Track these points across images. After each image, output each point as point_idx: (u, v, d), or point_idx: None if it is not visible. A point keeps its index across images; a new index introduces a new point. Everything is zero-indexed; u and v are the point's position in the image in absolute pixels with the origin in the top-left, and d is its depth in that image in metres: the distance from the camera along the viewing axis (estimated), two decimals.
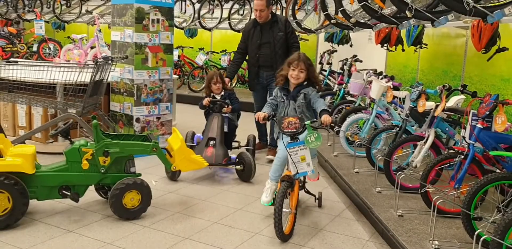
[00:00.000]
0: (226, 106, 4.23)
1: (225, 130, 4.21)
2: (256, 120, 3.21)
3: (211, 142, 4.03)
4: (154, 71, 4.72)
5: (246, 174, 4.03)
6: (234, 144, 4.52)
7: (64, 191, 3.05)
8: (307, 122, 2.88)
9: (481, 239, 2.27)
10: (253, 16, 4.83)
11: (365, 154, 4.10)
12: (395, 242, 2.79)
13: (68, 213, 3.18)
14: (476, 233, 2.33)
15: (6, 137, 3.08)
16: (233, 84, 4.79)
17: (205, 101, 4.24)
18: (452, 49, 5.28)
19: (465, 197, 2.64)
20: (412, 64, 6.21)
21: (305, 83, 3.24)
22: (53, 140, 4.54)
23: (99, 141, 3.07)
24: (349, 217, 3.38)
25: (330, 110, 3.20)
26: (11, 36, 7.05)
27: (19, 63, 4.17)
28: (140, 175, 3.22)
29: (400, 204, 3.22)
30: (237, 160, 4.05)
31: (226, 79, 4.56)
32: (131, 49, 4.55)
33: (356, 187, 3.68)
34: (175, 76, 5.71)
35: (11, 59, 5.79)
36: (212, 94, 4.36)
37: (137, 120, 4.67)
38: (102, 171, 3.08)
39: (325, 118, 2.96)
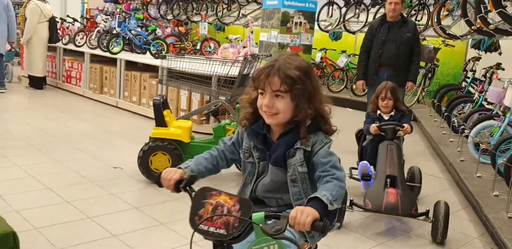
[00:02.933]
0: (400, 127, 3.35)
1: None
2: None
3: (390, 181, 3.04)
4: None
5: (435, 231, 2.92)
6: None
7: None
8: (258, 215, 1.31)
9: None
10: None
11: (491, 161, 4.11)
12: (500, 242, 2.89)
13: (212, 178, 3.86)
14: None
15: (171, 113, 3.88)
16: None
17: (373, 129, 3.35)
18: None
19: None
20: None
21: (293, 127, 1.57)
22: (206, 118, 5.38)
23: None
24: (463, 216, 3.50)
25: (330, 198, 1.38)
26: (180, 35, 8.26)
27: (185, 57, 5.06)
28: None
29: None
30: (427, 209, 2.98)
31: (360, 82, 4.81)
32: (275, 48, 5.18)
33: (474, 189, 3.76)
34: None
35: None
36: (378, 112, 3.55)
37: None
38: None
39: (301, 215, 1.28)
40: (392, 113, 3.52)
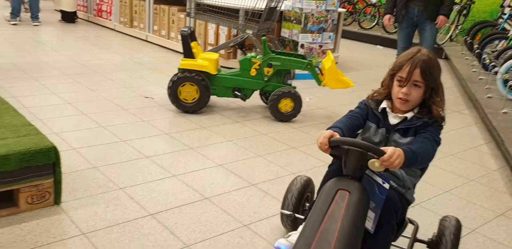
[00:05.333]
0: (376, 156, 1.59)
1: None
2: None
3: None
4: (322, 2, 5.18)
5: None
6: None
7: (236, 92, 3.86)
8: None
9: None
10: None
11: None
12: None
13: (237, 110, 4.02)
14: None
15: (199, 45, 3.96)
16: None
17: (321, 141, 1.61)
18: None
19: None
20: None
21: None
22: (232, 51, 5.42)
23: (266, 54, 3.75)
24: (484, 150, 3.57)
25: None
26: None
27: None
28: (295, 87, 3.85)
29: None
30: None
31: (386, 16, 4.64)
32: None
33: (498, 125, 3.79)
34: (342, 10, 6.06)
35: None
36: (384, 104, 1.81)
37: (302, 46, 5.27)
38: (265, 79, 3.79)
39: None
40: (410, 115, 1.77)
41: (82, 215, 2.18)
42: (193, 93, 3.72)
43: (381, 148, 1.54)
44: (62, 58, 5.30)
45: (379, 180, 1.60)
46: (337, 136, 1.63)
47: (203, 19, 4.98)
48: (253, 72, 3.76)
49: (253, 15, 4.73)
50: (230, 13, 4.93)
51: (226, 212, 2.32)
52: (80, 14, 8.17)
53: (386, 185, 1.58)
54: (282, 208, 2.07)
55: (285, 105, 3.75)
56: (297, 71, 4.32)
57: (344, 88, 3.92)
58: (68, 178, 2.46)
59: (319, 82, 3.86)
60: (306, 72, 3.90)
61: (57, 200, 2.24)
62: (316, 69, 3.85)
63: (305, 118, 3.92)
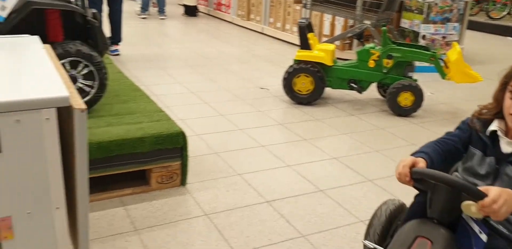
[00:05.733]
0: (476, 199, 1.26)
1: None
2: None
3: None
4: None
5: None
6: None
7: (351, 84, 3.80)
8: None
9: None
10: None
11: None
12: None
13: (352, 102, 3.96)
14: None
15: (315, 36, 3.95)
16: None
17: (401, 173, 1.32)
18: None
19: None
20: None
21: None
22: (349, 42, 5.33)
23: (385, 45, 3.63)
24: None
25: None
26: None
27: None
28: (416, 80, 3.68)
29: None
30: None
31: None
32: None
33: None
34: None
35: None
36: (495, 125, 1.38)
37: (423, 37, 5.00)
38: (384, 71, 3.67)
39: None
40: None
41: (205, 197, 2.32)
42: (308, 85, 3.73)
43: (483, 187, 1.16)
44: (185, 50, 5.64)
45: (476, 228, 1.20)
46: (422, 165, 1.29)
47: (320, 10, 4.96)
48: (371, 63, 3.67)
49: (371, 5, 4.59)
50: (347, 4, 4.83)
51: (341, 206, 2.31)
52: (200, 8, 8.60)
53: (483, 237, 1.17)
54: (366, 238, 1.61)
55: (405, 98, 3.61)
56: (417, 63, 4.12)
57: (471, 83, 3.66)
58: (192, 162, 2.63)
59: (443, 75, 3.64)
60: (427, 64, 3.70)
61: (183, 182, 2.41)
62: (440, 61, 3.64)
63: (426, 113, 3.74)
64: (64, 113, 1.20)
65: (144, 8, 7.75)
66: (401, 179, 1.29)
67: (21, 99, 1.12)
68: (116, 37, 5.09)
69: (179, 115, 3.41)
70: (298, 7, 6.04)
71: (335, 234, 2.08)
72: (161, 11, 7.78)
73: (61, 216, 1.23)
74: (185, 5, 8.23)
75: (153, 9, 8.22)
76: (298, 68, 3.73)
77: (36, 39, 1.73)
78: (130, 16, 7.61)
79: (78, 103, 1.17)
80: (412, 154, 1.37)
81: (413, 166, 1.28)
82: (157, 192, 2.34)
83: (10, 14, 2.20)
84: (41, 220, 1.20)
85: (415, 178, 1.26)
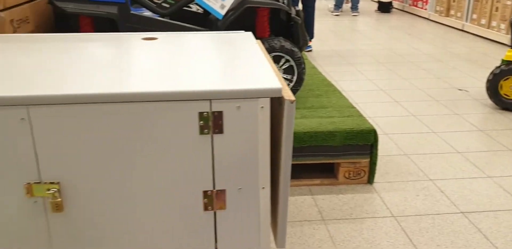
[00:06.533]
0: None
1: None
2: None
3: None
4: None
5: None
6: None
7: None
8: None
9: None
10: None
11: None
12: None
13: None
14: None
15: None
16: None
17: None
18: None
19: None
20: None
21: None
22: None
23: None
24: None
25: None
26: None
27: None
28: None
29: None
30: None
31: None
32: None
33: None
34: None
35: None
36: None
37: None
38: None
39: None
40: None
41: (393, 198, 2.24)
42: None
43: None
44: (376, 46, 5.52)
45: None
46: None
47: None
48: None
49: None
50: None
51: None
52: (395, 4, 8.32)
53: None
54: None
55: None
56: None
57: None
58: (380, 161, 2.57)
59: None
60: None
61: (370, 180, 2.37)
62: None
63: None
64: (275, 103, 1.28)
65: (338, 5, 7.81)
66: None
67: (243, 88, 1.23)
68: (309, 34, 5.24)
69: (367, 112, 3.35)
70: (509, 2, 5.38)
71: None
72: (354, 7, 7.75)
73: (266, 196, 1.32)
74: (379, 1, 8.05)
75: (345, 6, 8.24)
76: (507, 70, 3.33)
77: (249, 35, 1.87)
78: (322, 13, 7.77)
79: (289, 94, 1.24)
80: None
81: None
82: (344, 186, 2.34)
83: (227, 12, 2.42)
84: (249, 197, 1.31)
85: None
